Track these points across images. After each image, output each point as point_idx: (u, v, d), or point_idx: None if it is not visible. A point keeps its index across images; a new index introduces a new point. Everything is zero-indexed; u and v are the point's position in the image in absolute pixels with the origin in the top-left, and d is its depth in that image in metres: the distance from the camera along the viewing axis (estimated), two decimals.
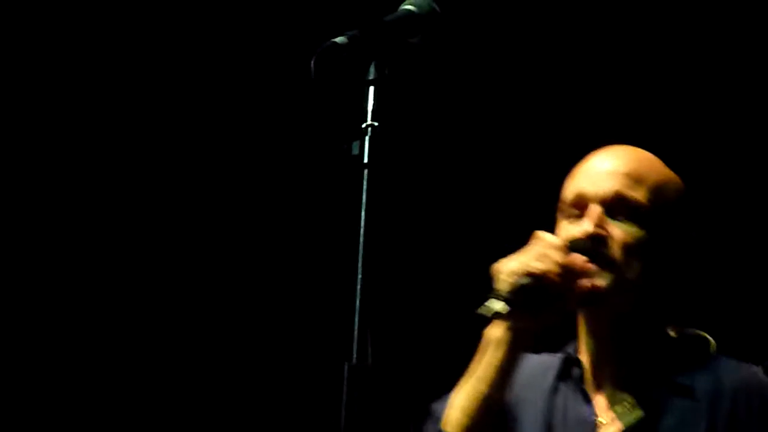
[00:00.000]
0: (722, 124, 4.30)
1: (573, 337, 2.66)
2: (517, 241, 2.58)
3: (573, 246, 2.50)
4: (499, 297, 2.43)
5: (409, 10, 2.36)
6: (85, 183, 4.73)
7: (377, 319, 2.15)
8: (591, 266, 2.50)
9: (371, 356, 2.14)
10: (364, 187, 2.21)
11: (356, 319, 2.15)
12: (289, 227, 4.69)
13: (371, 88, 2.27)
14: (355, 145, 2.25)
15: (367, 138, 2.24)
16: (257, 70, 4.64)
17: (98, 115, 4.72)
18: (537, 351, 2.62)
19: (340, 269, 2.24)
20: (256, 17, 4.62)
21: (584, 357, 2.61)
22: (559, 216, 2.61)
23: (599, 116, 4.36)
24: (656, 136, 2.88)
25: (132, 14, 4.64)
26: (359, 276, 2.17)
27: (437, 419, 2.58)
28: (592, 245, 2.51)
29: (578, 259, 2.49)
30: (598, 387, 2.59)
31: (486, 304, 2.44)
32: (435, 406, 2.63)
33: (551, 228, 2.61)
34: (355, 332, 2.15)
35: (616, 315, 2.55)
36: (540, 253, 2.47)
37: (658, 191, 2.58)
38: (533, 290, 2.43)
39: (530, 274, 2.44)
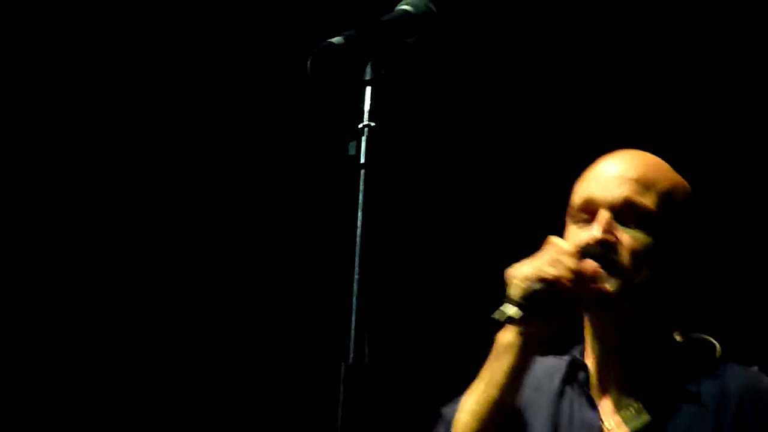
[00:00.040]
0: (732, 128, 4.30)
1: (577, 339, 2.66)
2: (515, 242, 2.58)
3: (583, 251, 2.51)
4: (512, 302, 2.44)
5: (405, 10, 2.36)
6: (81, 183, 4.73)
7: (374, 319, 2.15)
8: (601, 272, 2.50)
9: (368, 356, 2.14)
10: (361, 187, 2.21)
11: (353, 319, 2.15)
12: (286, 227, 4.69)
13: (368, 89, 2.27)
14: (352, 145, 2.25)
15: (363, 138, 2.24)
16: (254, 70, 4.64)
17: (95, 116, 4.72)
18: (543, 353, 2.62)
19: (337, 269, 2.24)
20: (253, 18, 4.62)
21: (590, 361, 2.61)
22: (567, 220, 2.62)
23: (597, 116, 4.37)
24: (665, 139, 2.88)
25: (130, 14, 4.64)
26: (356, 276, 2.17)
27: (448, 423, 2.58)
28: (601, 251, 2.51)
29: (590, 265, 2.50)
30: (604, 391, 2.59)
31: (500, 309, 2.44)
32: (445, 409, 2.64)
33: (546, 229, 2.61)
34: (352, 332, 2.15)
35: (624, 320, 2.56)
36: (553, 259, 2.48)
37: (667, 197, 2.58)
38: (546, 295, 2.45)
39: (543, 280, 2.45)
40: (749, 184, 4.25)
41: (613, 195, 2.57)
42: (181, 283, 4.73)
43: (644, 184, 2.58)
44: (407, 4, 2.37)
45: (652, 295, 2.56)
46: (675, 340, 2.61)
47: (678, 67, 4.34)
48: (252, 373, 4.69)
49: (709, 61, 4.31)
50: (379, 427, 2.15)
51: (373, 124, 2.25)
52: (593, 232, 2.54)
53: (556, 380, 2.62)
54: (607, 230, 2.54)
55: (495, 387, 2.50)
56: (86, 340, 4.72)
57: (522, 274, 2.47)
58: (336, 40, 2.27)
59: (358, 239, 2.19)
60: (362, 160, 2.23)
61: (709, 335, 2.64)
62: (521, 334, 2.49)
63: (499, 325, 2.50)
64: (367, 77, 2.27)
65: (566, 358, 2.65)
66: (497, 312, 2.44)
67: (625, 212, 2.56)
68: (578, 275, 2.47)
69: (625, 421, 2.53)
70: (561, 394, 2.61)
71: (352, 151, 2.24)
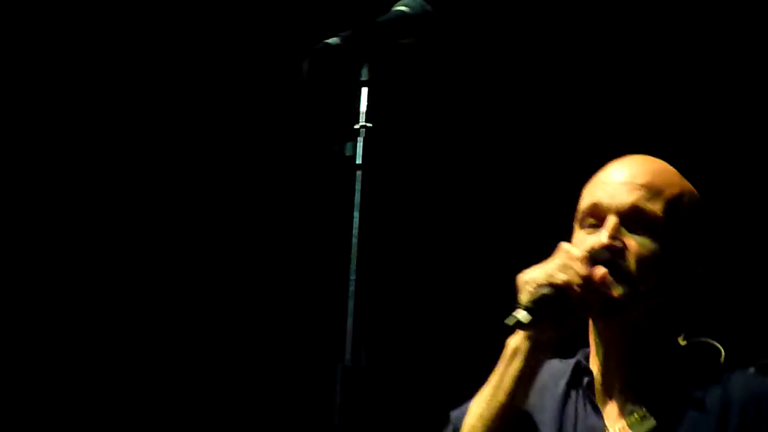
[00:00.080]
0: (740, 134, 4.30)
1: (580, 343, 2.66)
2: (512, 242, 2.58)
3: (590, 256, 2.51)
4: (522, 307, 2.45)
5: (401, 11, 2.36)
6: (77, 183, 4.73)
7: (371, 321, 2.15)
8: (609, 278, 2.51)
9: (365, 358, 2.14)
10: (358, 188, 2.21)
11: (350, 321, 2.15)
12: (282, 228, 4.69)
13: (364, 90, 2.27)
14: (349, 146, 2.25)
15: (360, 139, 2.24)
16: (251, 71, 4.63)
17: (91, 116, 4.71)
18: (548, 357, 2.62)
19: (333, 270, 2.24)
20: (250, 19, 4.62)
21: (595, 365, 2.62)
22: (575, 225, 2.62)
23: (593, 118, 4.37)
24: (672, 145, 2.88)
25: (127, 15, 4.64)
26: (353, 277, 2.17)
27: (455, 426, 2.59)
28: (609, 256, 2.52)
29: (599, 270, 2.50)
30: (609, 396, 2.60)
31: (512, 314, 2.45)
32: (454, 412, 2.65)
33: (543, 229, 2.61)
34: (349, 333, 2.15)
35: (629, 325, 2.56)
36: (563, 264, 2.48)
37: (674, 204, 2.59)
38: (555, 300, 2.45)
39: (553, 285, 2.45)
40: (757, 190, 4.25)
41: (620, 201, 2.57)
42: (178, 284, 4.73)
43: (652, 191, 2.58)
44: (403, 5, 2.37)
45: (658, 302, 2.56)
46: (679, 344, 2.61)
47: (687, 72, 4.33)
48: (248, 374, 4.69)
49: (719, 67, 4.30)
50: (375, 428, 2.15)
51: (369, 125, 2.25)
52: (601, 237, 2.55)
53: (561, 384, 2.63)
54: (615, 236, 2.54)
55: (503, 391, 2.51)
56: (79, 340, 4.72)
57: (533, 279, 2.47)
58: (332, 41, 2.27)
59: (354, 240, 2.19)
60: (358, 161, 2.23)
61: (713, 339, 2.64)
62: (529, 338, 2.49)
63: (500, 328, 2.50)
64: (364, 78, 2.27)
65: (571, 362, 2.66)
66: (509, 317, 2.45)
67: (632, 218, 2.56)
68: (587, 281, 2.48)
69: (630, 426, 2.53)
70: (566, 398, 2.61)
71: (348, 152, 2.24)
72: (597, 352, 2.62)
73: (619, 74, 4.38)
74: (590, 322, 2.62)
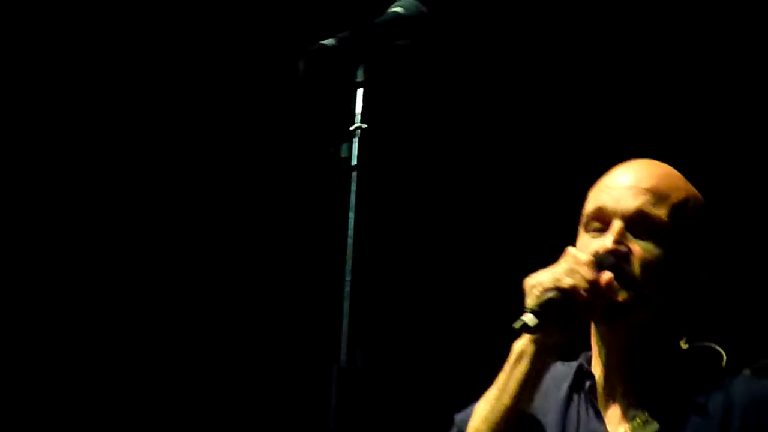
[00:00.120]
0: (746, 139, 4.30)
1: (581, 345, 2.66)
2: (509, 243, 2.58)
3: (595, 260, 2.52)
4: (528, 310, 2.45)
5: (397, 13, 2.36)
6: (75, 183, 4.73)
7: (366, 322, 2.15)
8: (614, 282, 2.51)
9: (360, 359, 2.14)
10: (353, 189, 2.21)
11: (345, 322, 2.15)
12: (277, 229, 4.69)
13: (360, 90, 2.27)
14: (344, 147, 2.25)
15: (355, 140, 2.24)
16: (247, 72, 4.64)
17: (89, 116, 4.72)
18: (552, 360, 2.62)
19: (328, 271, 2.24)
20: (246, 19, 4.62)
21: (598, 369, 2.62)
22: (580, 228, 2.62)
23: (594, 117, 4.37)
24: (678, 149, 2.88)
25: (125, 15, 4.64)
26: (348, 278, 2.17)
27: (460, 429, 2.59)
28: (613, 261, 2.52)
29: (605, 275, 2.50)
30: (611, 400, 2.60)
31: (520, 317, 2.46)
32: (458, 415, 2.65)
33: (540, 228, 2.62)
34: (344, 334, 2.15)
35: (632, 329, 2.56)
36: (570, 269, 2.48)
37: (679, 209, 2.59)
38: (561, 304, 2.45)
39: (560, 289, 2.45)
40: (761, 195, 4.25)
41: (626, 206, 2.57)
42: (174, 284, 4.73)
43: (657, 196, 2.58)
44: (399, 6, 2.37)
45: (662, 306, 2.56)
46: (681, 349, 2.61)
47: (692, 78, 4.33)
48: (244, 375, 4.69)
49: (725, 72, 4.31)
50: (371, 429, 2.15)
51: (364, 126, 2.25)
52: (606, 242, 2.55)
53: (564, 387, 2.63)
54: (620, 241, 2.54)
55: (508, 394, 2.51)
56: (76, 340, 4.72)
57: (539, 282, 2.48)
58: (328, 42, 2.27)
59: (349, 241, 2.19)
60: (354, 162, 2.23)
61: (716, 343, 2.64)
62: (534, 342, 2.50)
63: (504, 332, 2.50)
64: (359, 79, 2.27)
65: (573, 365, 2.66)
66: (516, 321, 2.46)
67: (637, 223, 2.56)
68: (594, 286, 2.48)
69: (632, 430, 2.53)
70: (568, 401, 2.62)
71: (344, 153, 2.24)
72: (599, 356, 2.62)
73: (623, 77, 4.38)
74: (592, 326, 2.62)
